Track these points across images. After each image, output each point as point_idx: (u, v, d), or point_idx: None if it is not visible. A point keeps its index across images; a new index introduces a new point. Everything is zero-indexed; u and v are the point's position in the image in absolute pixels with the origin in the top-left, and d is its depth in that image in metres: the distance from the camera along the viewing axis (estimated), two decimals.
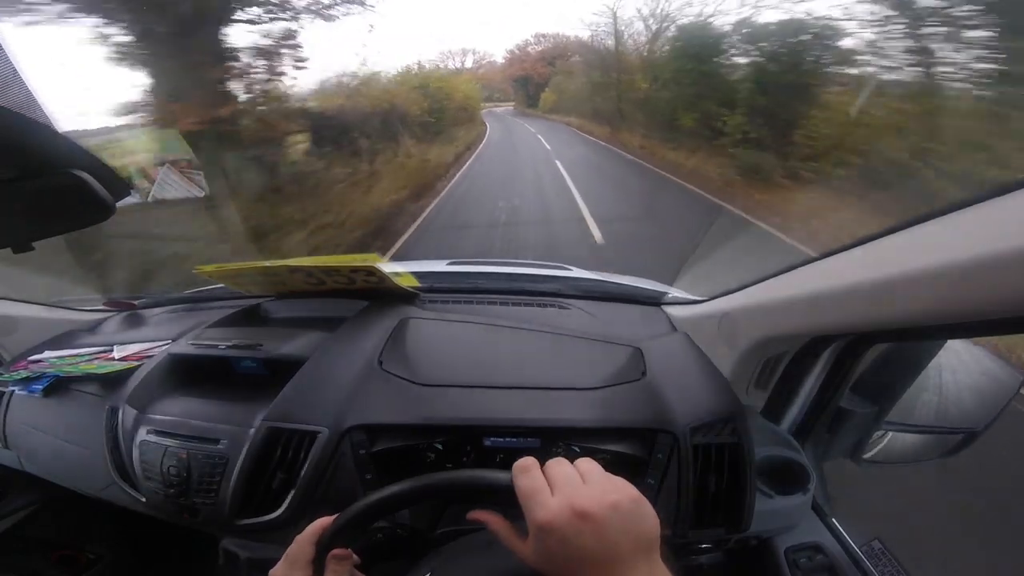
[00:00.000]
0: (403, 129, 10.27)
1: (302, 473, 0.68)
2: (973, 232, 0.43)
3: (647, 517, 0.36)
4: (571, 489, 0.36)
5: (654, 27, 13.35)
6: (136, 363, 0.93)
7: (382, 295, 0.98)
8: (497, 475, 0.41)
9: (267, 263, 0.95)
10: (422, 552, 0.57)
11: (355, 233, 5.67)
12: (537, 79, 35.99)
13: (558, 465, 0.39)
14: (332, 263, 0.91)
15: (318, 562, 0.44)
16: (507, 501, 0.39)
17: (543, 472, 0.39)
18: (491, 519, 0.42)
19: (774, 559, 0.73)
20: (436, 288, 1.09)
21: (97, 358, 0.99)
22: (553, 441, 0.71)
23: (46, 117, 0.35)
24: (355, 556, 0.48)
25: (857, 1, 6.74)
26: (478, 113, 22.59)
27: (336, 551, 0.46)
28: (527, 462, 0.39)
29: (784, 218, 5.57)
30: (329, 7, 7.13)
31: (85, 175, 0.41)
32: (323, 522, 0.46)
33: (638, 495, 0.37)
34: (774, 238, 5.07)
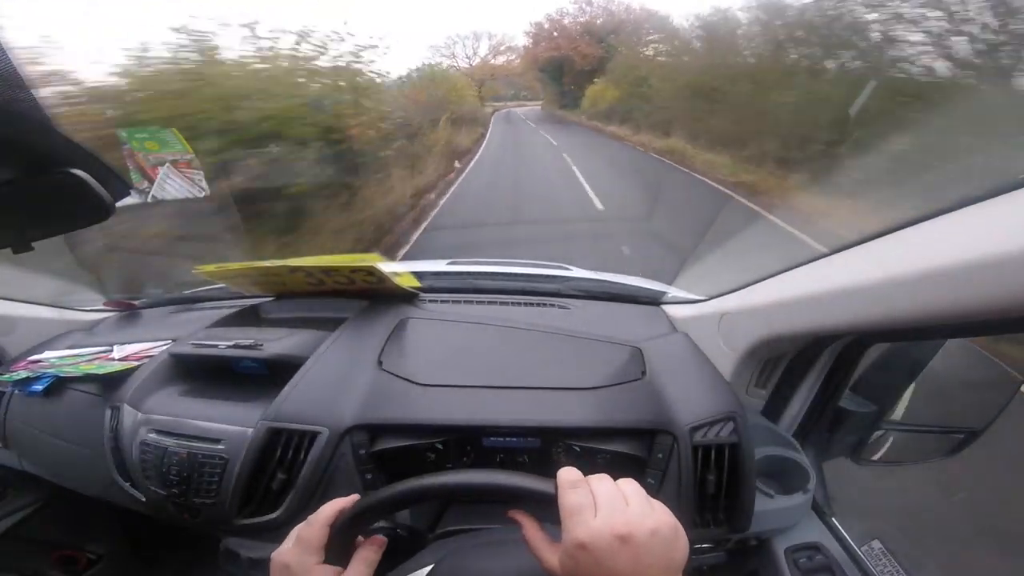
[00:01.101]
0: None
1: (302, 473, 0.68)
2: (973, 232, 0.43)
3: (681, 544, 0.37)
4: (614, 510, 0.36)
5: None
6: (136, 363, 0.93)
7: (382, 295, 0.98)
8: (541, 484, 0.40)
9: (267, 263, 0.95)
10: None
11: None
12: (579, 64, 23.97)
13: (601, 483, 0.39)
14: (332, 263, 0.91)
15: (332, 546, 0.43)
16: (546, 509, 0.39)
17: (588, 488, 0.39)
18: (528, 522, 0.41)
19: (774, 559, 0.73)
20: (436, 288, 1.09)
21: (97, 358, 0.99)
22: (553, 441, 0.71)
23: (46, 117, 0.35)
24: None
25: None
26: (442, 142, 9.58)
27: (376, 537, 0.45)
28: (574, 476, 0.39)
29: None
30: None
31: (85, 175, 0.41)
32: (339, 504, 0.45)
33: (676, 522, 0.37)
34: None
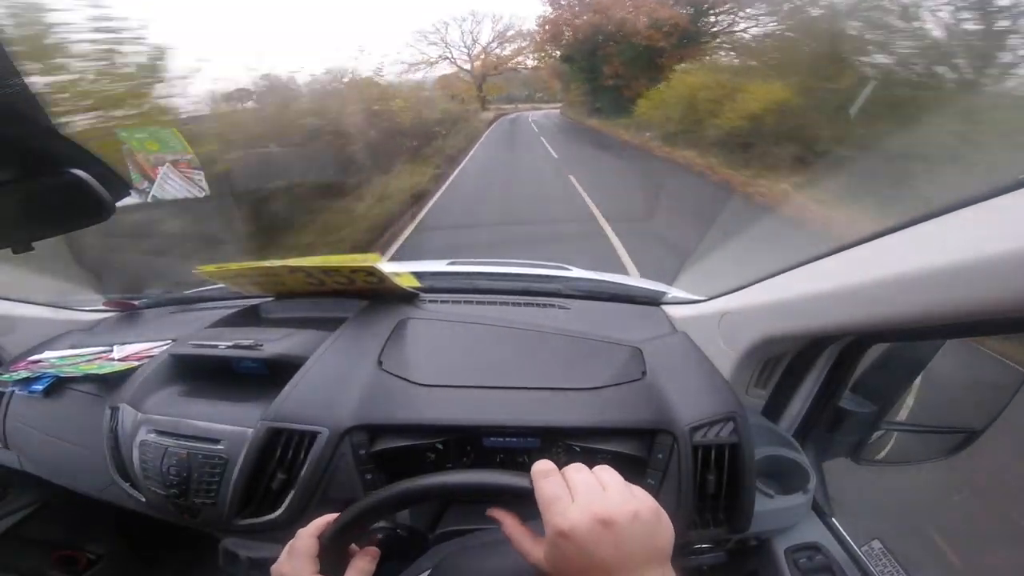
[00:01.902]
0: None
1: (302, 473, 0.68)
2: (973, 232, 0.43)
3: (664, 528, 0.36)
4: (592, 496, 0.36)
5: None
6: (136, 363, 0.93)
7: (382, 295, 0.98)
8: (516, 479, 0.40)
9: (267, 263, 0.95)
10: (421, 553, 0.57)
11: None
12: (643, 37, 13.22)
13: (578, 472, 0.39)
14: (332, 263, 0.91)
15: (324, 556, 0.44)
16: (525, 504, 0.38)
17: (563, 477, 0.39)
18: (507, 519, 0.41)
19: (774, 559, 0.73)
20: (436, 288, 1.09)
21: (97, 358, 0.99)
22: (553, 441, 0.71)
23: (46, 117, 0.35)
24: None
25: None
26: None
27: (370, 548, 0.46)
28: (547, 466, 0.39)
29: None
30: None
31: (85, 175, 0.41)
32: (328, 518, 0.46)
33: (657, 506, 0.37)
34: None
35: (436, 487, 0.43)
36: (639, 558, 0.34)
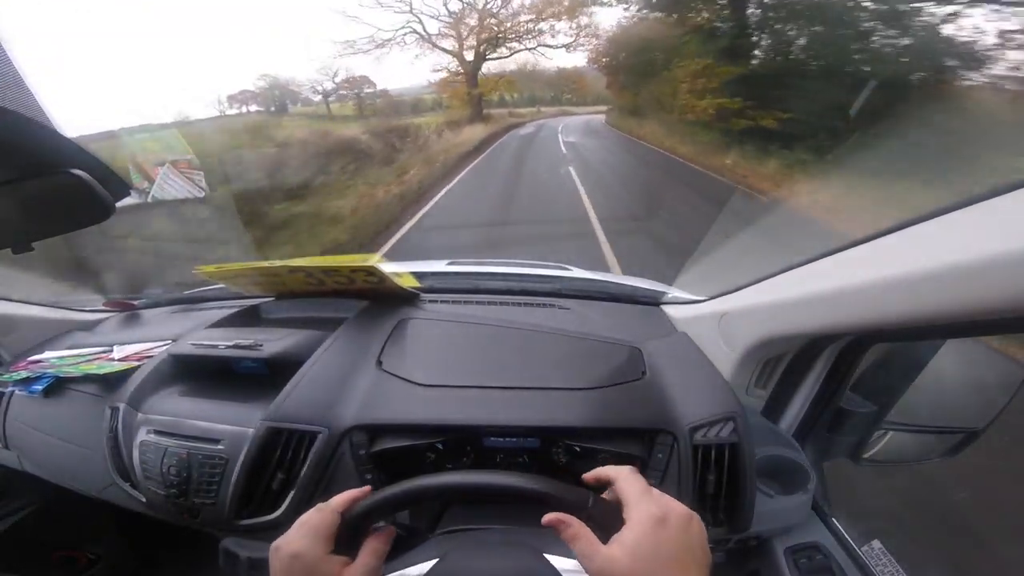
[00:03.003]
0: None
1: (302, 473, 0.68)
2: (973, 232, 0.43)
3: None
4: (669, 496, 0.41)
5: None
6: (136, 363, 0.93)
7: (382, 295, 0.98)
8: (577, 493, 0.40)
9: (267, 263, 0.95)
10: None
11: None
12: None
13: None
14: (332, 263, 0.91)
15: (341, 536, 0.41)
16: (578, 518, 0.40)
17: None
18: (571, 520, 0.39)
19: (774, 559, 0.73)
20: (436, 288, 1.09)
21: (97, 358, 0.99)
22: (553, 441, 0.71)
23: (46, 117, 0.35)
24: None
25: None
26: None
27: (388, 527, 0.44)
28: (626, 467, 0.43)
29: None
30: None
31: (85, 175, 0.41)
32: (353, 493, 0.44)
33: None
34: None
35: (484, 485, 0.43)
36: (702, 561, 0.37)
